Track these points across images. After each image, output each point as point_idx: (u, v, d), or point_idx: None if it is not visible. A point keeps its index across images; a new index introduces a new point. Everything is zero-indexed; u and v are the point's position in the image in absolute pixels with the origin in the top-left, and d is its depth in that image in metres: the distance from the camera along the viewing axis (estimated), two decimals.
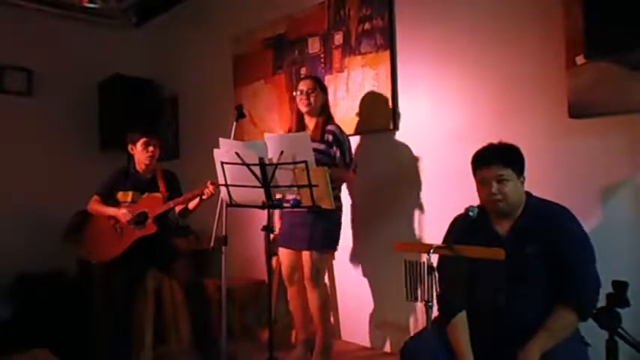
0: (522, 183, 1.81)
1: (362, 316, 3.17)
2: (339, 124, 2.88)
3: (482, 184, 1.80)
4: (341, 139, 2.76)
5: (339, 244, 2.82)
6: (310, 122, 2.84)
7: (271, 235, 2.33)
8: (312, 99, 2.78)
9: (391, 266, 2.88)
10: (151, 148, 2.97)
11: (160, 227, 2.89)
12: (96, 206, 3.00)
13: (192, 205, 2.90)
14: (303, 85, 2.82)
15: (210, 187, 2.73)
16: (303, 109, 2.80)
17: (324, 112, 2.84)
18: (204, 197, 2.79)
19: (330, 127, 2.78)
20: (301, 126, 2.86)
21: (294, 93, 2.85)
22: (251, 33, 3.98)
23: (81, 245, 3.11)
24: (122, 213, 2.88)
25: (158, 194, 2.95)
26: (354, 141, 3.17)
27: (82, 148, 4.88)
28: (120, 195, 3.00)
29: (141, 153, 2.97)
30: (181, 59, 4.81)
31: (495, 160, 1.77)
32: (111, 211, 2.93)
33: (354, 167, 2.83)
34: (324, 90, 2.87)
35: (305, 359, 2.85)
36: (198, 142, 4.48)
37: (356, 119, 3.18)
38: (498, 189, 1.75)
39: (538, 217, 1.77)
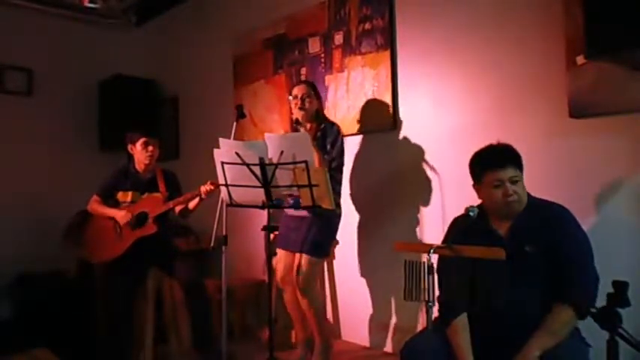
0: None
1: (362, 316, 3.16)
2: (339, 124, 2.88)
3: (493, 186, 1.78)
4: (328, 132, 2.72)
5: (339, 245, 2.81)
6: (305, 128, 2.79)
7: (271, 235, 2.33)
8: (306, 104, 2.74)
9: (391, 266, 2.88)
10: (150, 148, 2.97)
11: (160, 227, 2.89)
12: (96, 206, 3.00)
13: (192, 205, 2.90)
14: (297, 91, 2.79)
15: (208, 185, 2.73)
16: (297, 113, 2.75)
17: (318, 118, 2.81)
18: (202, 196, 2.79)
19: (322, 126, 2.76)
20: (296, 130, 2.80)
21: (289, 98, 2.83)
22: (251, 33, 3.98)
23: (81, 245, 3.11)
24: (121, 215, 2.87)
25: (158, 194, 2.95)
26: (355, 141, 3.17)
27: (81, 148, 4.89)
28: (120, 195, 3.00)
29: (140, 153, 2.97)
30: (181, 59, 4.81)
31: (508, 162, 1.77)
32: (111, 212, 2.93)
33: (328, 162, 2.68)
34: (318, 96, 2.83)
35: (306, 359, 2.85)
36: (198, 142, 4.48)
37: (355, 119, 3.18)
38: (514, 190, 1.75)
39: (537, 217, 1.77)
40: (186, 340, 3.04)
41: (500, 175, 1.76)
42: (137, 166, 3.02)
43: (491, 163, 1.80)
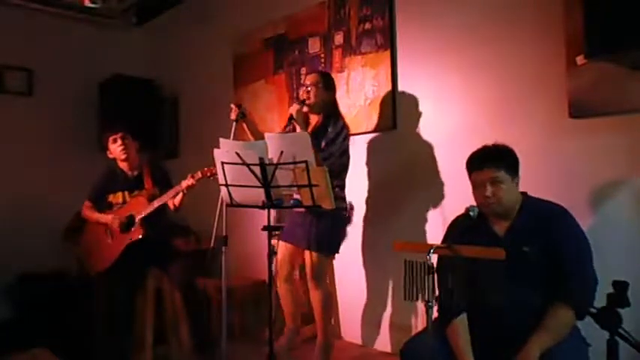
0: (517, 184, 1.80)
1: (362, 316, 3.16)
2: None
3: (476, 186, 1.80)
4: (328, 128, 2.62)
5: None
6: (312, 120, 2.75)
7: (271, 236, 2.32)
8: (311, 94, 2.67)
9: (392, 266, 2.88)
10: (119, 142, 2.95)
11: (153, 228, 2.85)
12: (88, 213, 3.01)
13: (176, 201, 2.85)
14: (307, 79, 2.74)
15: (189, 179, 2.69)
16: (292, 108, 2.62)
17: (325, 110, 2.70)
18: (184, 191, 2.74)
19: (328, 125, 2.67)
20: (291, 127, 2.75)
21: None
22: (251, 33, 3.98)
23: (80, 255, 3.09)
24: (111, 219, 2.86)
25: (143, 196, 2.91)
26: (354, 141, 3.15)
27: (82, 148, 4.87)
28: (111, 197, 2.99)
29: (114, 150, 2.98)
30: (181, 59, 4.81)
31: (488, 163, 1.77)
32: (101, 218, 2.93)
33: (323, 159, 2.53)
34: (328, 86, 2.72)
35: (292, 345, 2.82)
36: (198, 142, 4.48)
37: (355, 119, 3.17)
38: (492, 192, 1.75)
39: (536, 217, 1.77)
40: (186, 340, 3.04)
41: (478, 177, 1.79)
42: (120, 166, 3.01)
43: (473, 164, 1.82)
